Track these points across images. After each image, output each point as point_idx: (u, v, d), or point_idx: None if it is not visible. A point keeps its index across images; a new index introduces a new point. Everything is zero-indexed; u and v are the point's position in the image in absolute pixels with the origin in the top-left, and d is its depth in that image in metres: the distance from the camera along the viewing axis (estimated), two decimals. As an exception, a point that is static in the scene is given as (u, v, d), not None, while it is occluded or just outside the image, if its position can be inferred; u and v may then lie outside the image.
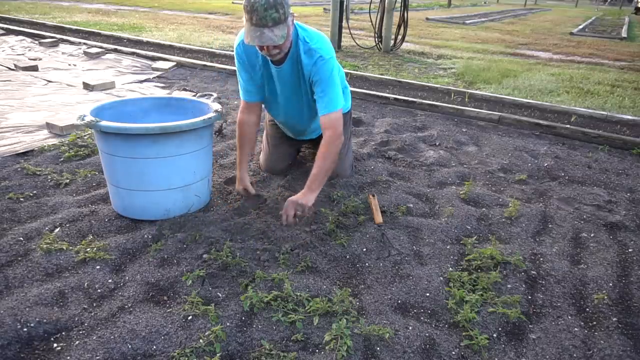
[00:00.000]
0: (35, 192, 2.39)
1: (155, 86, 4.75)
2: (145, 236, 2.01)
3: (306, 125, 2.51)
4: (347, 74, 5.33)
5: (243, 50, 2.17)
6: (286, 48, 2.04)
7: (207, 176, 2.28)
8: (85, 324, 1.54)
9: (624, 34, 11.89)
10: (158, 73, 5.26)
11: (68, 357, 1.41)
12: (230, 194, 2.45)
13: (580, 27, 13.67)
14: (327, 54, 2.10)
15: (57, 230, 2.04)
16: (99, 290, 1.71)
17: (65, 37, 6.85)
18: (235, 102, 4.14)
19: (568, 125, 3.79)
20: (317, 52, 2.08)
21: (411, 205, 2.41)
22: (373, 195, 2.36)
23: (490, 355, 1.51)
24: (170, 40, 7.32)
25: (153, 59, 5.87)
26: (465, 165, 3.04)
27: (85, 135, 3.17)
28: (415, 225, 2.23)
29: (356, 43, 7.62)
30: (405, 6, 7.16)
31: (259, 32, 1.88)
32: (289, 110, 2.38)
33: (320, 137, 2.56)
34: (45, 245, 1.87)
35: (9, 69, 5.03)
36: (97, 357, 1.40)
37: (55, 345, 1.46)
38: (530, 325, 1.64)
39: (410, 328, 1.58)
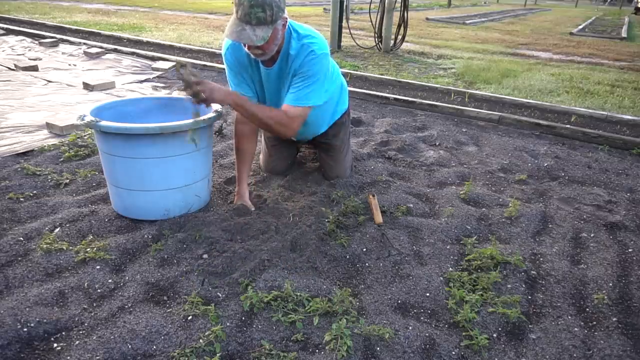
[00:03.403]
0: (35, 192, 2.39)
1: (155, 86, 4.75)
2: (145, 236, 2.01)
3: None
4: (347, 74, 5.33)
5: (231, 54, 2.12)
6: (270, 51, 1.93)
7: (207, 176, 2.28)
8: (85, 324, 1.54)
9: (623, 34, 11.89)
10: (158, 73, 5.26)
11: (68, 357, 1.41)
12: (230, 193, 2.45)
13: (580, 27, 13.67)
14: (319, 49, 1.98)
15: (57, 230, 2.04)
16: (99, 290, 1.71)
17: (65, 37, 6.85)
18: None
19: (568, 125, 3.79)
20: (309, 46, 1.96)
21: (411, 205, 2.41)
22: (373, 195, 2.36)
23: (490, 355, 1.51)
24: (170, 40, 7.32)
25: (153, 59, 5.87)
26: (465, 165, 3.04)
27: (85, 135, 3.17)
28: (415, 225, 2.23)
29: (356, 43, 7.62)
30: (405, 6, 7.16)
31: (240, 27, 1.79)
32: None
33: (317, 138, 2.58)
34: (45, 245, 1.87)
35: (9, 69, 5.03)
36: (97, 357, 1.40)
37: (55, 345, 1.46)
38: (530, 325, 1.64)
39: (410, 328, 1.58)
